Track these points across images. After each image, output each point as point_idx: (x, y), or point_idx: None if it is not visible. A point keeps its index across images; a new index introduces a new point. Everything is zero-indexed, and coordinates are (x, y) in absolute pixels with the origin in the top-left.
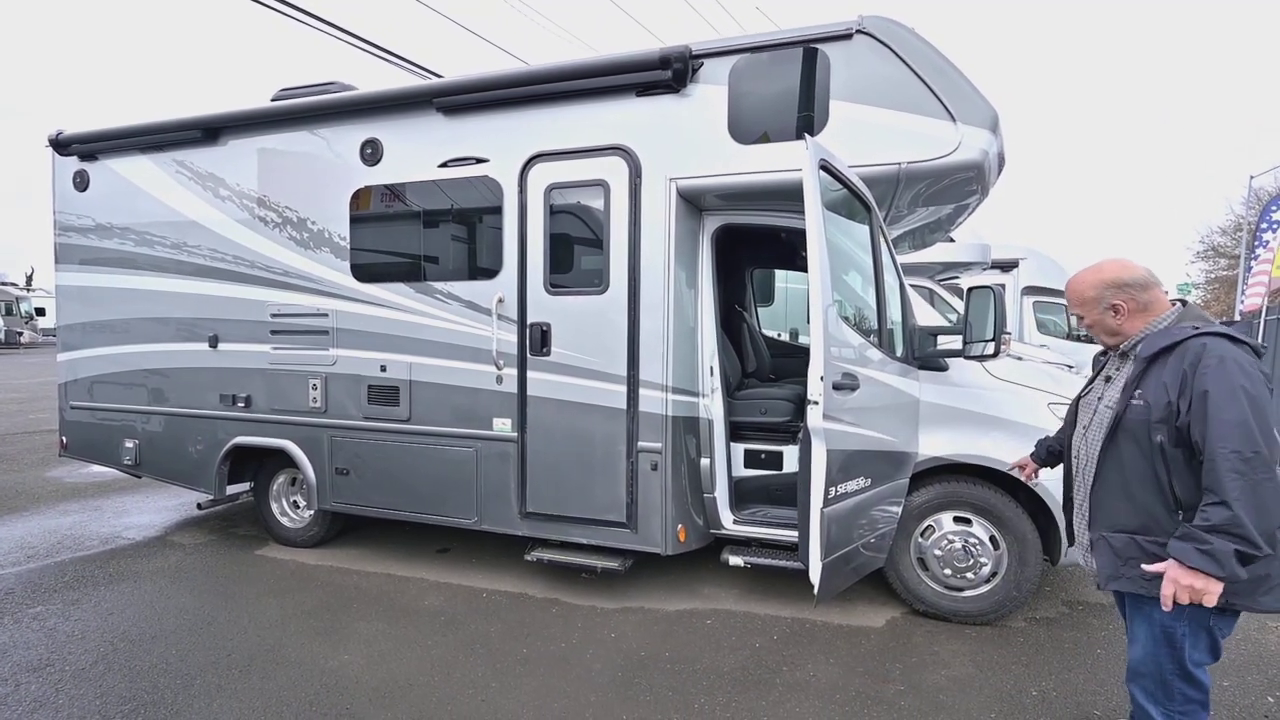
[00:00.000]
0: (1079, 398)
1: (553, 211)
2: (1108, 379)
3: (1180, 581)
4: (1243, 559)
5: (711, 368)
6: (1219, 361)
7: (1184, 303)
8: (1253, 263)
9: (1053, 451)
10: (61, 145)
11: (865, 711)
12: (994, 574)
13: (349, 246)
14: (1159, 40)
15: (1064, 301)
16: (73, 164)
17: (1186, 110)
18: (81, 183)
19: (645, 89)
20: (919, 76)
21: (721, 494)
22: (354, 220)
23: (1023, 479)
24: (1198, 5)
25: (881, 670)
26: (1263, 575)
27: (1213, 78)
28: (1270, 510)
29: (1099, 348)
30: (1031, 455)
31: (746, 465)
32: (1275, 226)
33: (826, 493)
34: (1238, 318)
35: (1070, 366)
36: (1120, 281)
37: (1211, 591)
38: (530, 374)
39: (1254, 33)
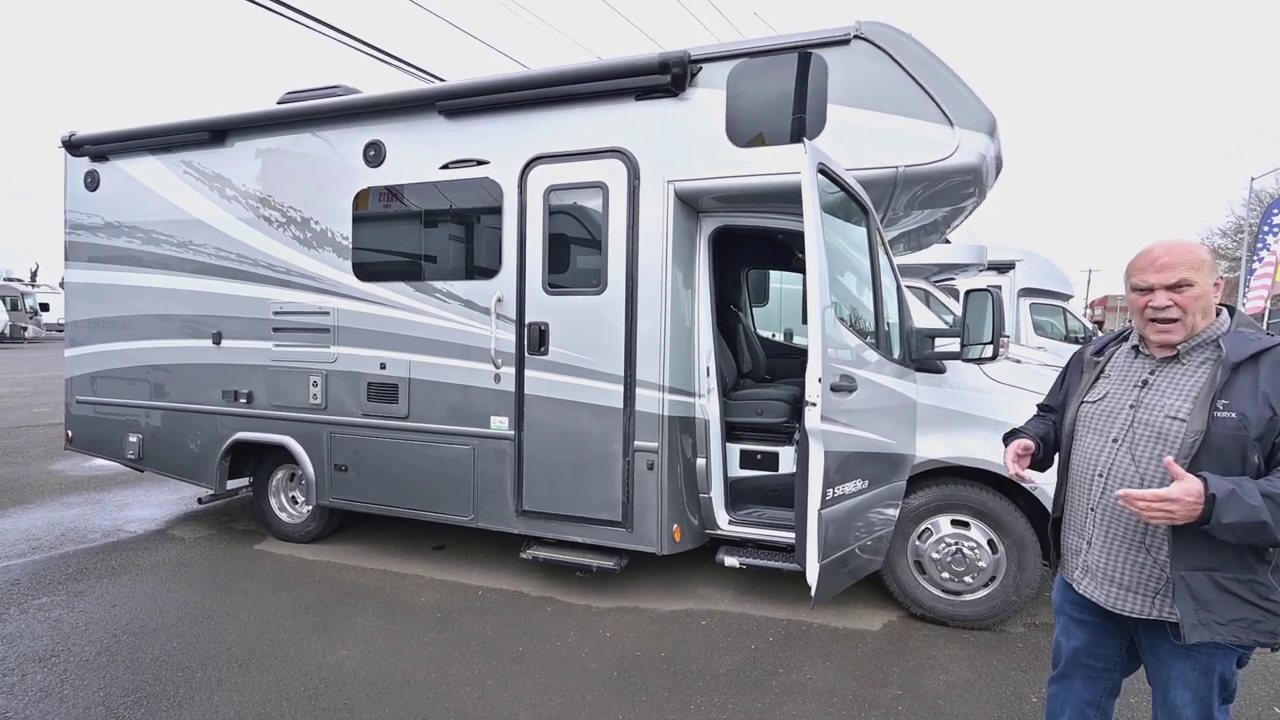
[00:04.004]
0: (1081, 403)
1: (552, 212)
2: (1144, 383)
3: (1174, 495)
4: (1260, 539)
5: (708, 368)
6: None
7: (1231, 309)
8: (1256, 264)
9: (1047, 439)
10: (74, 146)
11: (862, 716)
12: (992, 578)
13: (351, 246)
14: (1159, 41)
15: (1059, 303)
16: (84, 164)
17: (1186, 111)
18: (92, 182)
19: (644, 93)
20: (916, 81)
21: (717, 494)
22: (356, 220)
23: (1019, 473)
24: (1199, 5)
25: (879, 674)
26: None
27: (1213, 78)
28: None
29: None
30: (1021, 440)
31: (742, 466)
32: (1277, 230)
33: (824, 494)
34: None
35: None
36: (1214, 261)
37: (1179, 521)
38: (528, 373)
39: (1254, 33)
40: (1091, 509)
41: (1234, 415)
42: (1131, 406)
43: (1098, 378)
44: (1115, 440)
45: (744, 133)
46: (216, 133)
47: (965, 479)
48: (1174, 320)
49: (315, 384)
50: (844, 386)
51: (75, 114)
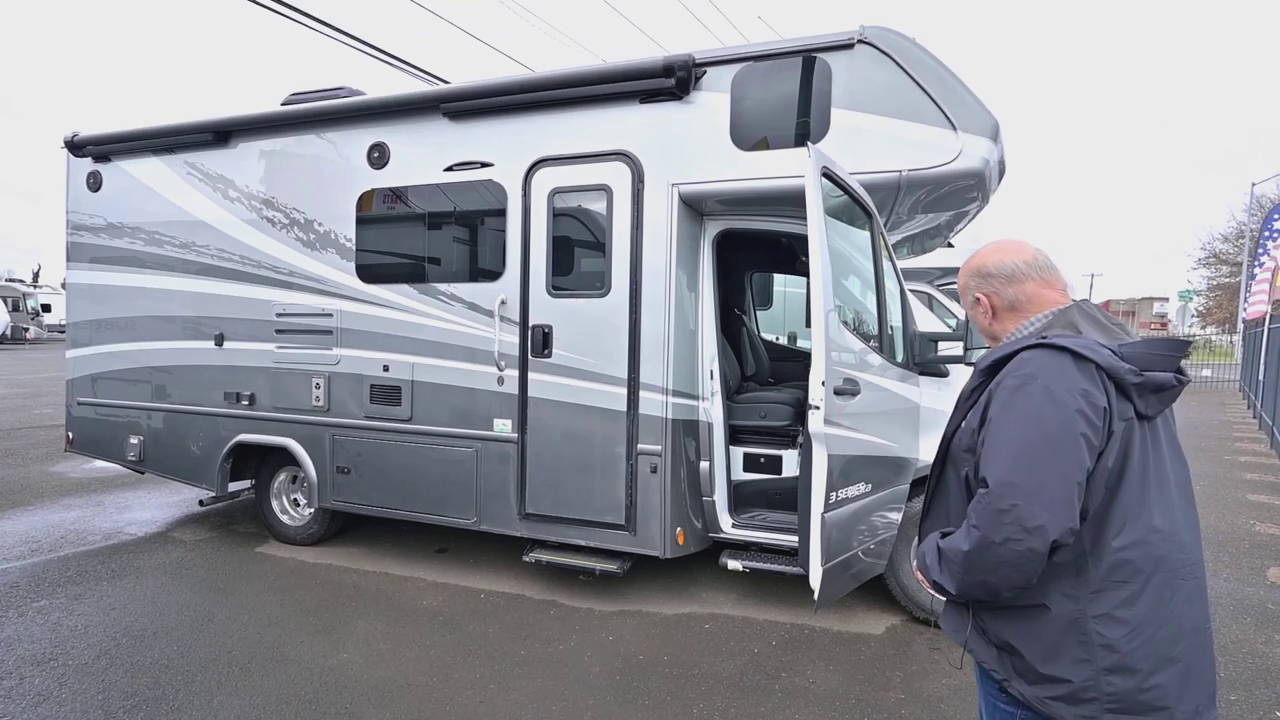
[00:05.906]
0: None
1: (556, 215)
2: None
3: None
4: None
5: (711, 371)
6: (1021, 384)
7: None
8: (1256, 269)
9: None
10: (76, 147)
11: None
12: None
13: (354, 248)
14: (1162, 45)
15: None
16: (87, 165)
17: (1188, 115)
18: (94, 183)
19: (649, 96)
20: (920, 85)
21: (720, 497)
22: (360, 222)
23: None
24: (1204, 10)
25: (882, 678)
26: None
27: (1215, 83)
28: (993, 572)
29: None
30: None
31: (745, 469)
32: (1277, 236)
33: (827, 498)
34: (1240, 325)
35: None
36: (984, 270)
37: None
38: (531, 375)
39: (1257, 38)
40: None
41: (963, 424)
42: None
43: None
44: None
45: (748, 136)
46: (220, 134)
47: None
48: None
49: (318, 386)
50: (847, 390)
51: (78, 114)
